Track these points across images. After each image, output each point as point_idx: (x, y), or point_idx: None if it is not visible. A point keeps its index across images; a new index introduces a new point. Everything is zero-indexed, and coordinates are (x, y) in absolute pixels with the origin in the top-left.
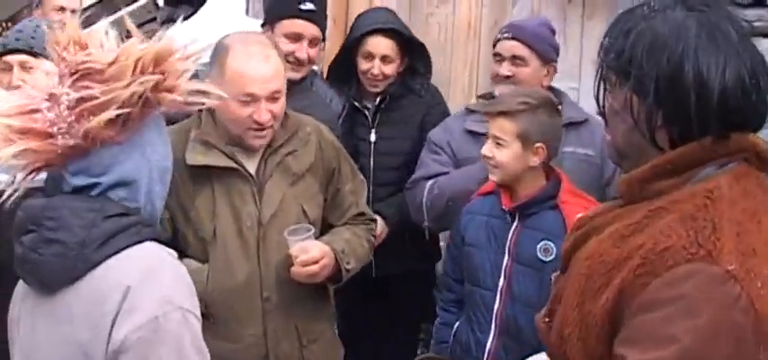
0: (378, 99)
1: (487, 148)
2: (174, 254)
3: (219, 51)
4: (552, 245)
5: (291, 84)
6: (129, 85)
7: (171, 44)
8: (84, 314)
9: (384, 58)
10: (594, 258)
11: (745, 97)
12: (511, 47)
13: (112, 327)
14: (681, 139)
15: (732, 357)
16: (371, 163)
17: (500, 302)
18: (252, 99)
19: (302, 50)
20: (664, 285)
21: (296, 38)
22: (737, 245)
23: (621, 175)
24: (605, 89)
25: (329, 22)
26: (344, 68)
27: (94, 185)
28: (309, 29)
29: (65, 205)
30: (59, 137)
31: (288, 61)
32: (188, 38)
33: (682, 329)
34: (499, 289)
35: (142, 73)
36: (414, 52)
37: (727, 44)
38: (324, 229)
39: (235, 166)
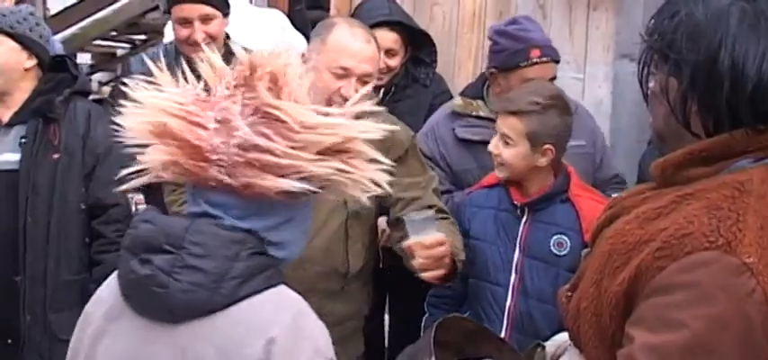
0: (382, 91)
1: (495, 145)
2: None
3: (324, 26)
4: (566, 238)
5: None
6: (315, 162)
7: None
8: (213, 352)
9: (388, 52)
10: (617, 238)
11: None
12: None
13: None
14: (715, 128)
15: (739, 350)
16: None
17: (512, 298)
18: (345, 73)
19: (195, 31)
20: (679, 270)
21: (185, 21)
22: (759, 239)
23: (656, 159)
24: (648, 72)
25: (333, 13)
26: None
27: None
28: (195, 10)
29: (210, 231)
30: (216, 168)
31: (188, 44)
32: None
33: (692, 316)
34: (511, 284)
35: (333, 154)
36: (418, 42)
37: (766, 35)
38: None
39: None
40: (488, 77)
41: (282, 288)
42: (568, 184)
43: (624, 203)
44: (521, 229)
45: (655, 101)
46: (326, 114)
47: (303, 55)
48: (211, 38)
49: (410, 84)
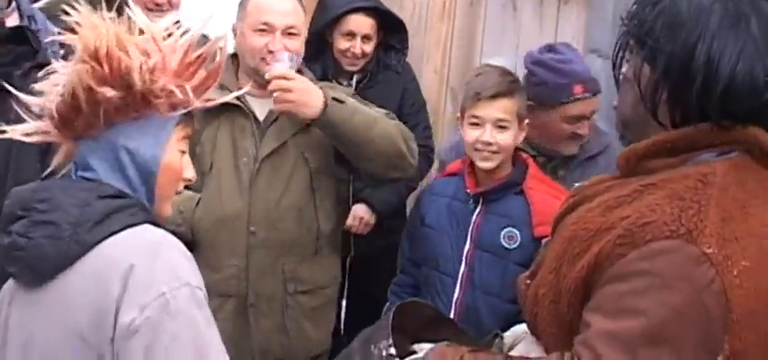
0: (355, 78)
1: (488, 135)
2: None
3: None
4: (516, 232)
5: None
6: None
7: (126, 39)
8: (80, 298)
9: (365, 37)
10: (579, 224)
11: (754, 93)
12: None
13: (118, 311)
14: (681, 120)
15: (696, 338)
16: None
17: (460, 289)
18: (268, 28)
19: None
20: (639, 258)
21: None
22: (720, 230)
23: (621, 150)
24: (623, 56)
25: None
26: (316, 45)
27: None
28: None
29: (56, 186)
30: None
31: (148, 8)
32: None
33: (650, 303)
34: (460, 275)
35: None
36: (390, 28)
37: (749, 37)
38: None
39: (241, 104)
40: (527, 113)
41: (146, 226)
42: (524, 176)
43: (587, 192)
44: (473, 219)
45: (626, 86)
46: None
47: (232, 28)
48: (170, 4)
49: (381, 70)
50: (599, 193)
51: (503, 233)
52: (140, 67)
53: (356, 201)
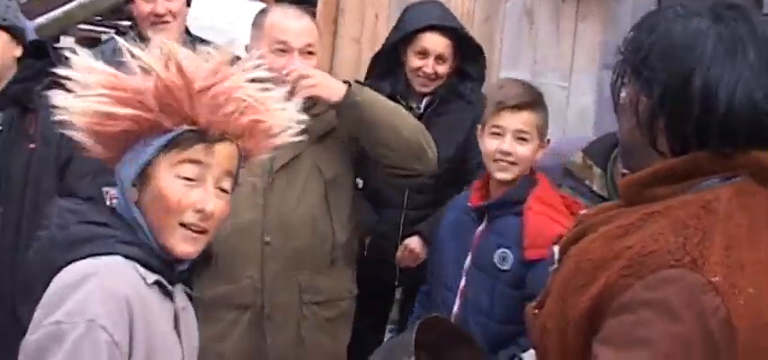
0: (425, 100)
1: (508, 145)
2: (146, 275)
3: (259, 14)
4: (509, 253)
5: None
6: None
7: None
8: (36, 318)
9: (439, 58)
10: (582, 255)
11: (756, 119)
12: None
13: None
14: (681, 149)
15: None
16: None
17: (458, 305)
18: (285, 48)
19: (158, 5)
20: (644, 288)
21: None
22: (725, 258)
23: (623, 177)
24: (621, 83)
25: (319, 7)
26: (388, 62)
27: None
28: None
29: (65, 204)
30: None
31: (151, 23)
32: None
33: (657, 333)
34: (459, 290)
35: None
36: (467, 55)
37: (746, 63)
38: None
39: None
40: None
41: (115, 258)
42: (527, 194)
43: (591, 220)
44: (476, 234)
45: (624, 113)
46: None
47: (246, 47)
48: (173, 15)
49: (453, 98)
50: (603, 223)
51: (497, 253)
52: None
53: (411, 233)
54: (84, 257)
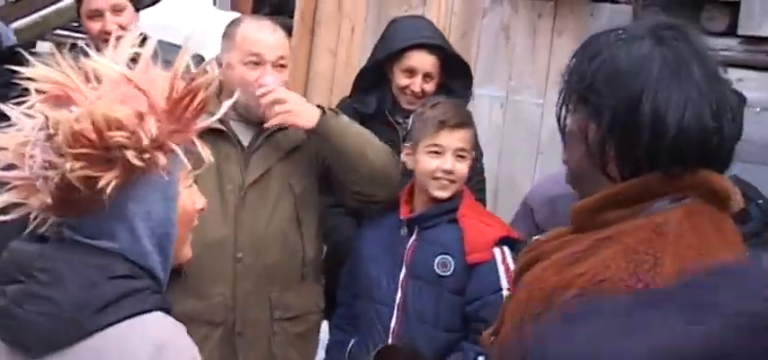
0: (411, 117)
1: (449, 164)
2: (183, 328)
3: (231, 24)
4: (450, 259)
5: None
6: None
7: (111, 111)
8: None
9: (426, 76)
10: (536, 283)
11: (704, 139)
12: None
13: None
14: (631, 173)
15: None
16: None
17: (396, 318)
18: (259, 60)
19: (107, 23)
20: None
21: (97, 14)
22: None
23: (573, 204)
24: (567, 111)
25: (296, 19)
26: (373, 77)
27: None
28: (105, 0)
29: (63, 257)
30: (36, 192)
31: (103, 40)
32: (157, 23)
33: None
34: (396, 304)
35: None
36: (452, 71)
37: (692, 83)
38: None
39: (225, 130)
40: None
41: (156, 314)
42: (458, 204)
43: (543, 248)
44: (407, 246)
45: (572, 141)
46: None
47: (217, 58)
48: (122, 29)
49: None
50: (555, 250)
51: (436, 260)
52: (140, 144)
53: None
54: (123, 318)
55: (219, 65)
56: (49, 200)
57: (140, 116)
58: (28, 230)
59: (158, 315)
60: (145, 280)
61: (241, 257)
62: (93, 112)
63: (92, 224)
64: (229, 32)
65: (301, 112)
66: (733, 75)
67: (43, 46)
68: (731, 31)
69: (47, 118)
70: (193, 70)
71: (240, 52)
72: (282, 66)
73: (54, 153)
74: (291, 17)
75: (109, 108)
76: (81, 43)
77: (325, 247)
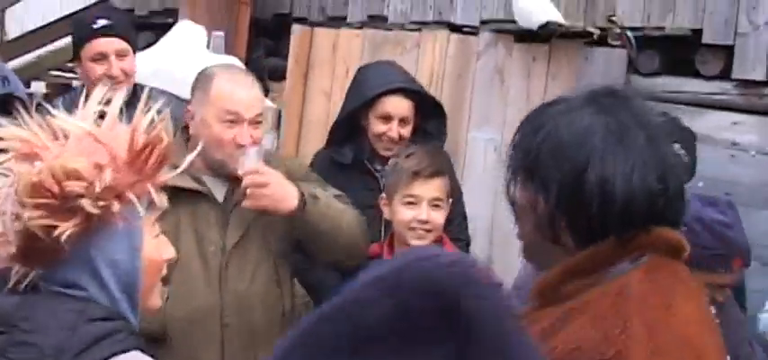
0: (390, 162)
1: (425, 214)
2: None
3: (204, 76)
4: None
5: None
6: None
7: (69, 163)
8: None
9: (402, 120)
10: None
11: (652, 202)
12: None
13: None
14: (585, 241)
15: None
16: (382, 235)
17: None
18: (236, 119)
19: (112, 67)
20: None
21: (101, 57)
22: (648, 342)
23: (534, 281)
24: (515, 185)
25: (291, 61)
26: (348, 127)
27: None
28: (111, 44)
29: (42, 305)
30: (9, 245)
31: (103, 84)
32: (150, 67)
33: None
34: None
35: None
36: (426, 113)
37: (635, 149)
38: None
39: (201, 189)
40: None
41: (134, 353)
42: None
43: None
44: None
45: (523, 215)
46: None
47: (188, 110)
48: (126, 75)
49: None
50: None
51: None
52: (95, 193)
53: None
54: (105, 358)
55: (190, 115)
56: (14, 250)
57: (99, 167)
58: (8, 287)
59: (137, 353)
60: (120, 322)
61: (228, 322)
62: (52, 165)
63: (62, 274)
64: (203, 86)
65: (280, 199)
66: (727, 118)
67: (38, 86)
68: (725, 75)
69: (12, 173)
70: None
71: (215, 109)
72: (258, 123)
73: (18, 205)
74: (286, 59)
75: (68, 160)
76: (76, 84)
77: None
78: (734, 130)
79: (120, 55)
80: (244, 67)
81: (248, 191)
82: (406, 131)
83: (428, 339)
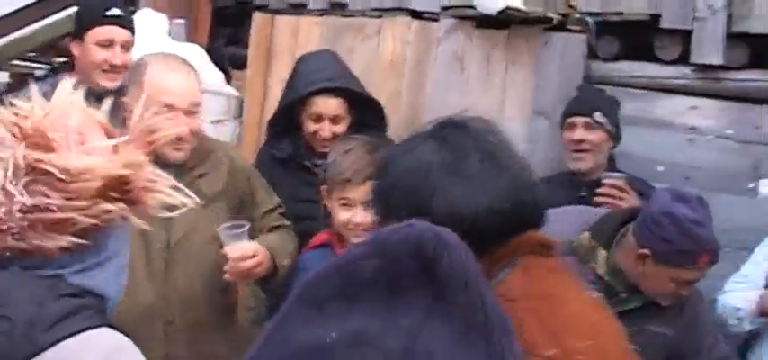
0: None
1: (359, 217)
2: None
3: (138, 68)
4: None
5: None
6: (89, 208)
7: (137, 158)
8: None
9: (334, 119)
10: None
11: (498, 219)
12: None
13: None
14: None
15: None
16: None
17: None
18: (170, 111)
19: (116, 56)
20: None
21: (108, 44)
22: (544, 331)
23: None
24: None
25: (251, 49)
26: (285, 122)
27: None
28: (120, 34)
29: (12, 280)
30: (9, 237)
31: (103, 69)
32: None
33: None
34: None
35: (106, 195)
36: (362, 105)
37: (470, 176)
38: None
39: None
40: (637, 254)
41: (103, 329)
42: None
43: None
44: None
45: None
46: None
47: (124, 103)
48: (126, 68)
49: None
50: None
51: None
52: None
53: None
54: (73, 333)
55: (128, 110)
56: (21, 245)
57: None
58: None
59: (106, 329)
60: (89, 299)
61: (172, 321)
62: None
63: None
64: (136, 78)
65: (260, 273)
66: (686, 102)
67: (1, 76)
68: (684, 60)
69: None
70: None
71: (148, 100)
72: (194, 112)
73: (55, 196)
74: (246, 48)
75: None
76: (38, 73)
77: None
78: (692, 114)
79: (125, 47)
80: (205, 54)
81: (233, 270)
82: (340, 128)
83: (410, 288)
